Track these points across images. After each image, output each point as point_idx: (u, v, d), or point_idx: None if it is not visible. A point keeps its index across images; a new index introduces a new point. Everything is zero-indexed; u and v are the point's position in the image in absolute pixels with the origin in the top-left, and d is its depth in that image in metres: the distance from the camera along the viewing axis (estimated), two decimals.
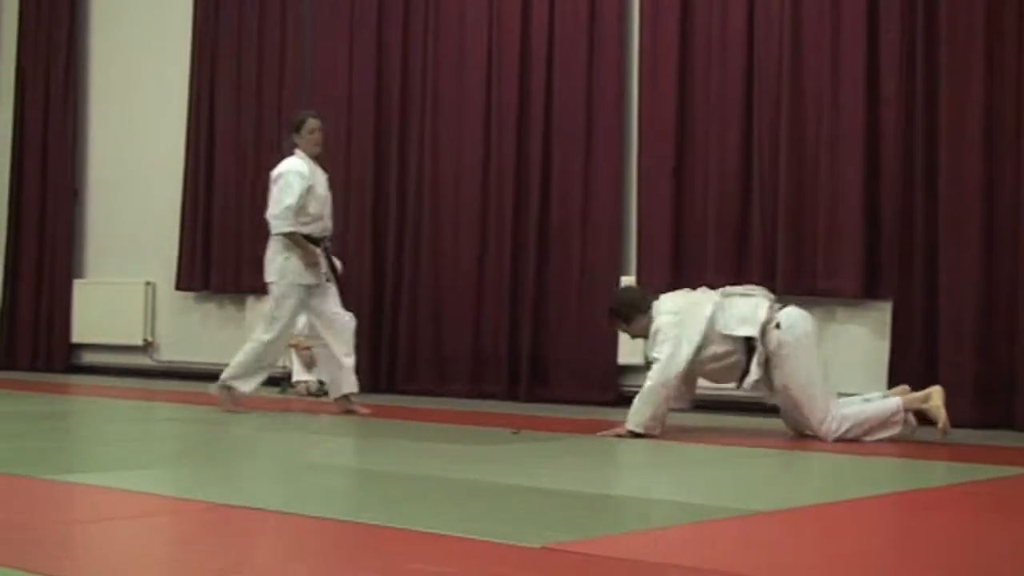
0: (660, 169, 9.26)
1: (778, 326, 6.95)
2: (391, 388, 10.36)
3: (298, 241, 8.13)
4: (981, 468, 5.79)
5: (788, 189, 8.71)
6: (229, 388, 8.22)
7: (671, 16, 9.29)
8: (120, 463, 5.74)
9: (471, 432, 7.23)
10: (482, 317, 10.06)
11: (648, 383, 6.95)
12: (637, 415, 6.91)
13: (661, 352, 6.99)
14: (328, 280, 8.31)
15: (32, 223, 13.42)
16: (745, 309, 7.07)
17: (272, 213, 8.17)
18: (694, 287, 8.93)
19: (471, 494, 4.74)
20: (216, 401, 8.23)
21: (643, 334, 7.36)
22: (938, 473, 5.87)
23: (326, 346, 8.36)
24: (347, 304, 10.36)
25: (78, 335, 13.00)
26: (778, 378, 6.95)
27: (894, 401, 6.91)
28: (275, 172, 8.26)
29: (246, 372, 8.21)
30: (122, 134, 12.95)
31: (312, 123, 8.39)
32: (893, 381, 7.83)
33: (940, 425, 6.73)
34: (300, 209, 8.12)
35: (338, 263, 8.52)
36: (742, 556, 3.60)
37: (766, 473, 5.85)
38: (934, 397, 6.83)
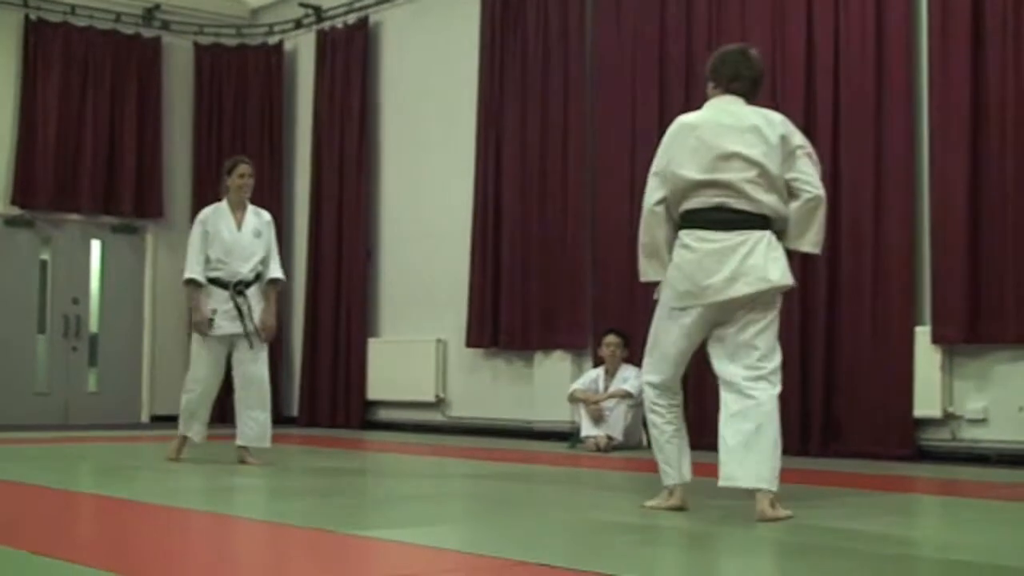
0: (953, 218, 8.96)
1: None
2: None
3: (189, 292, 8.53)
4: None
5: None
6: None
7: (961, 79, 9.00)
8: (417, 519, 5.85)
9: None
10: None
11: (818, 193, 5.67)
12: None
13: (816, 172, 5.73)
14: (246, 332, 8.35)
15: (329, 284, 13.92)
16: None
17: None
18: (992, 338, 8.63)
19: (761, 552, 4.66)
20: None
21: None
22: None
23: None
24: (636, 358, 10.41)
25: (373, 392, 13.39)
26: None
27: None
28: None
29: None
30: (412, 195, 13.35)
31: (243, 167, 8.50)
32: None
33: None
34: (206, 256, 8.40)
35: (256, 314, 8.41)
36: None
37: None
38: None
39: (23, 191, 13.87)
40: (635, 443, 10.17)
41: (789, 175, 5.58)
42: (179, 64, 15.00)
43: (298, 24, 14.79)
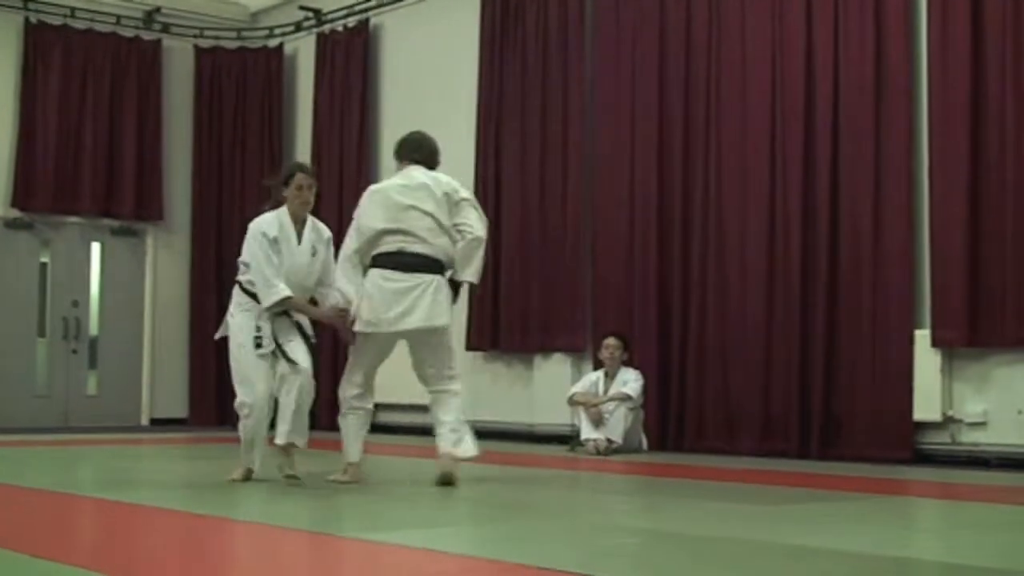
0: (953, 221, 8.96)
1: None
2: (679, 446, 10.31)
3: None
4: None
5: None
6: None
7: (961, 67, 9.00)
8: (416, 522, 5.86)
9: (761, 491, 7.11)
10: (771, 374, 9.90)
11: (479, 235, 7.21)
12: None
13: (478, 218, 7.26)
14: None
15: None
16: None
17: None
18: (992, 342, 8.64)
19: (761, 556, 4.66)
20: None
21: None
22: None
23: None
24: (636, 361, 10.42)
25: (378, 395, 13.33)
26: None
27: None
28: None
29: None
30: None
31: (300, 178, 7.51)
32: None
33: None
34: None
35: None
36: None
37: None
38: None
39: (23, 193, 13.87)
40: (635, 446, 10.16)
41: (456, 220, 7.15)
42: (179, 67, 15.00)
43: (298, 27, 14.80)
